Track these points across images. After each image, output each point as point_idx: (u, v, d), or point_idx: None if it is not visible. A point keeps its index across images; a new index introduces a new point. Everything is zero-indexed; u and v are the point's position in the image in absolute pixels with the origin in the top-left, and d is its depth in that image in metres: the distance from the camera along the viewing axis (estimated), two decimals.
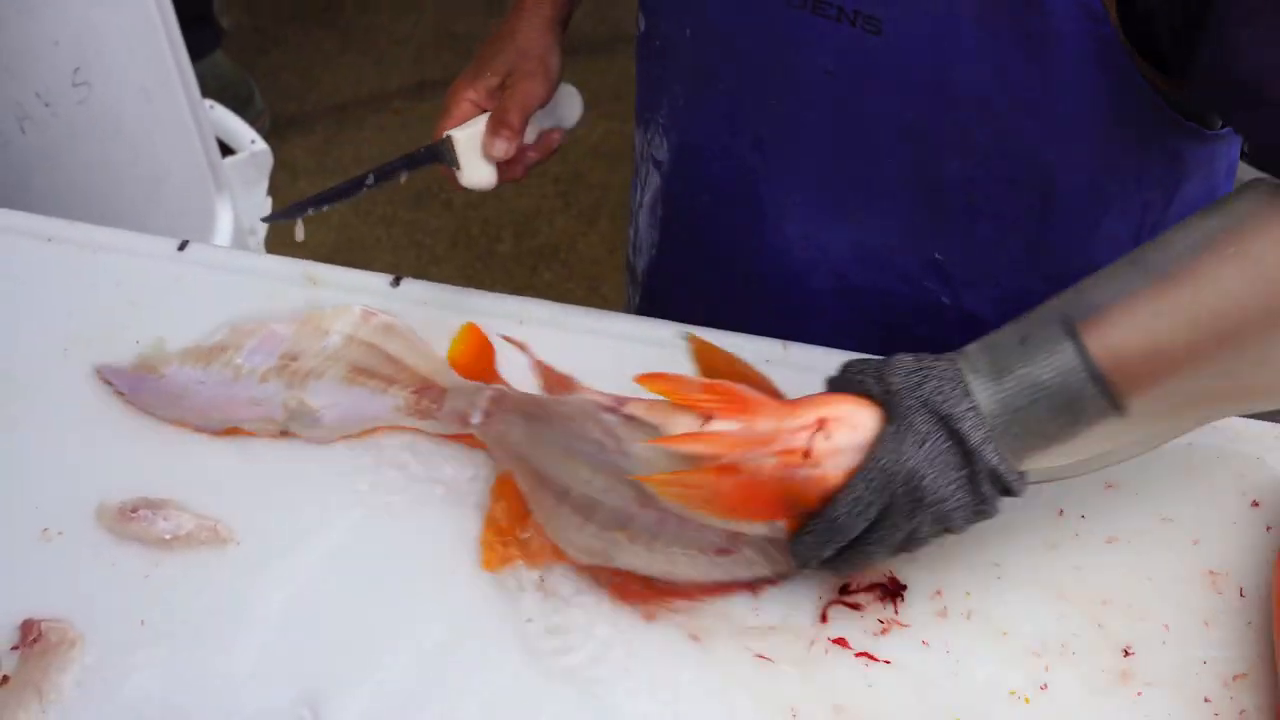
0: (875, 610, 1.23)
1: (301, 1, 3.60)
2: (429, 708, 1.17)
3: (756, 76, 1.36)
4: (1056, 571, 1.25)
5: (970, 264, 1.42)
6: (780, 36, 1.30)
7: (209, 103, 2.54)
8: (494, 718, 1.17)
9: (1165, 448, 1.23)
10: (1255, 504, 1.29)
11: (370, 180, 1.39)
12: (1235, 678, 1.19)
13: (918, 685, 1.19)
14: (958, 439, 1.11)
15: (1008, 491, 1.13)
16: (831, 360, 1.37)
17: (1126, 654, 1.20)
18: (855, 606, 1.23)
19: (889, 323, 1.49)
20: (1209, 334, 1.11)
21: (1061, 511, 1.29)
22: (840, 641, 1.21)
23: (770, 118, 1.38)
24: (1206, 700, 1.18)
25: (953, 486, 1.12)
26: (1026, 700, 1.18)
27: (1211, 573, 1.25)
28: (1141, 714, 1.17)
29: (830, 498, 1.13)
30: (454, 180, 1.43)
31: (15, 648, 1.20)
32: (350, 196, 1.39)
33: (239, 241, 2.49)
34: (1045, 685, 1.19)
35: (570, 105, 1.53)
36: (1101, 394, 1.10)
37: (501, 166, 1.43)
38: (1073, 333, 1.11)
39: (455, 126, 1.42)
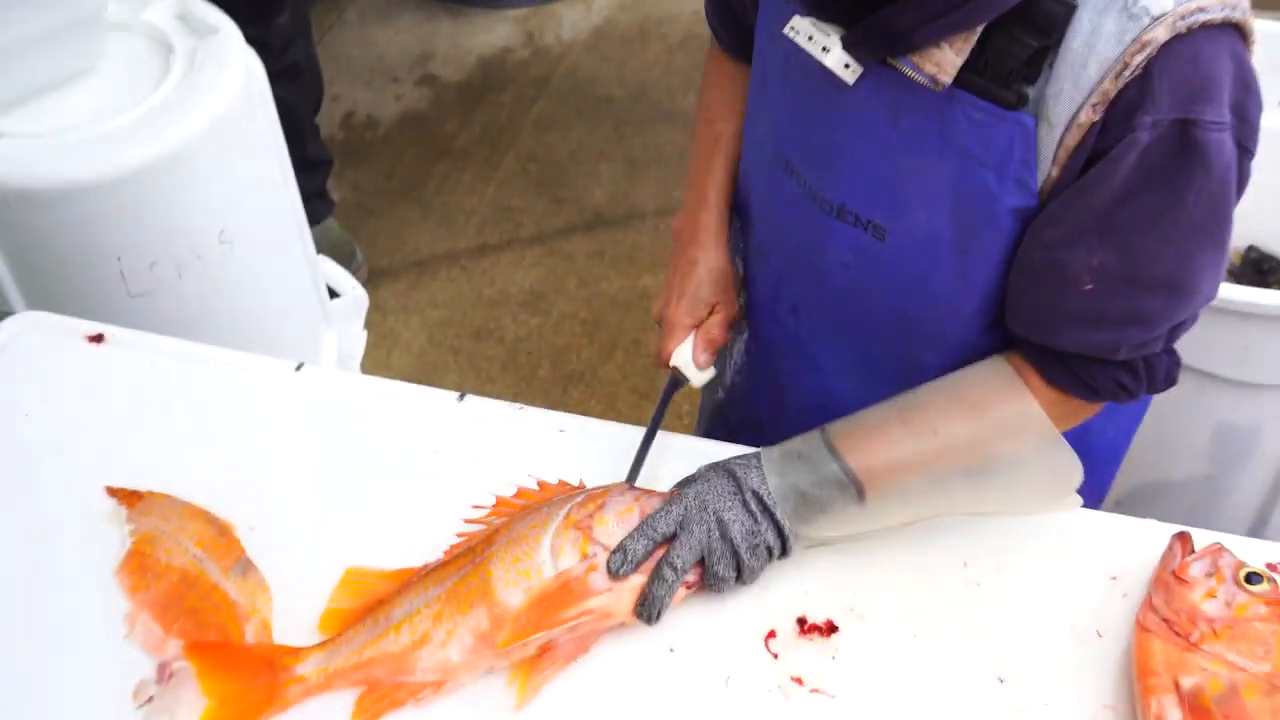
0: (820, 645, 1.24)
1: (394, 183, 3.63)
2: None
3: (795, 260, 1.39)
4: (975, 632, 1.26)
5: None
6: (814, 232, 1.32)
7: (321, 257, 2.56)
8: None
9: (1046, 539, 1.25)
10: (1114, 578, 1.29)
11: (656, 427, 1.42)
12: (1104, 708, 1.19)
13: (859, 707, 1.19)
14: (734, 478, 1.23)
15: (774, 519, 1.22)
16: None
17: (1021, 692, 1.20)
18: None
19: None
20: (932, 459, 1.23)
21: (969, 572, 1.29)
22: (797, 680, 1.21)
23: (803, 292, 1.40)
24: None
25: (729, 502, 1.22)
26: (961, 700, 1.18)
27: (1080, 628, 1.25)
28: None
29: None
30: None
31: (157, 681, 1.20)
32: (652, 439, 1.40)
33: (341, 364, 2.51)
34: (964, 701, 1.19)
35: None
36: (852, 487, 1.22)
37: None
38: (834, 449, 1.23)
39: (676, 346, 1.47)
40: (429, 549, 1.31)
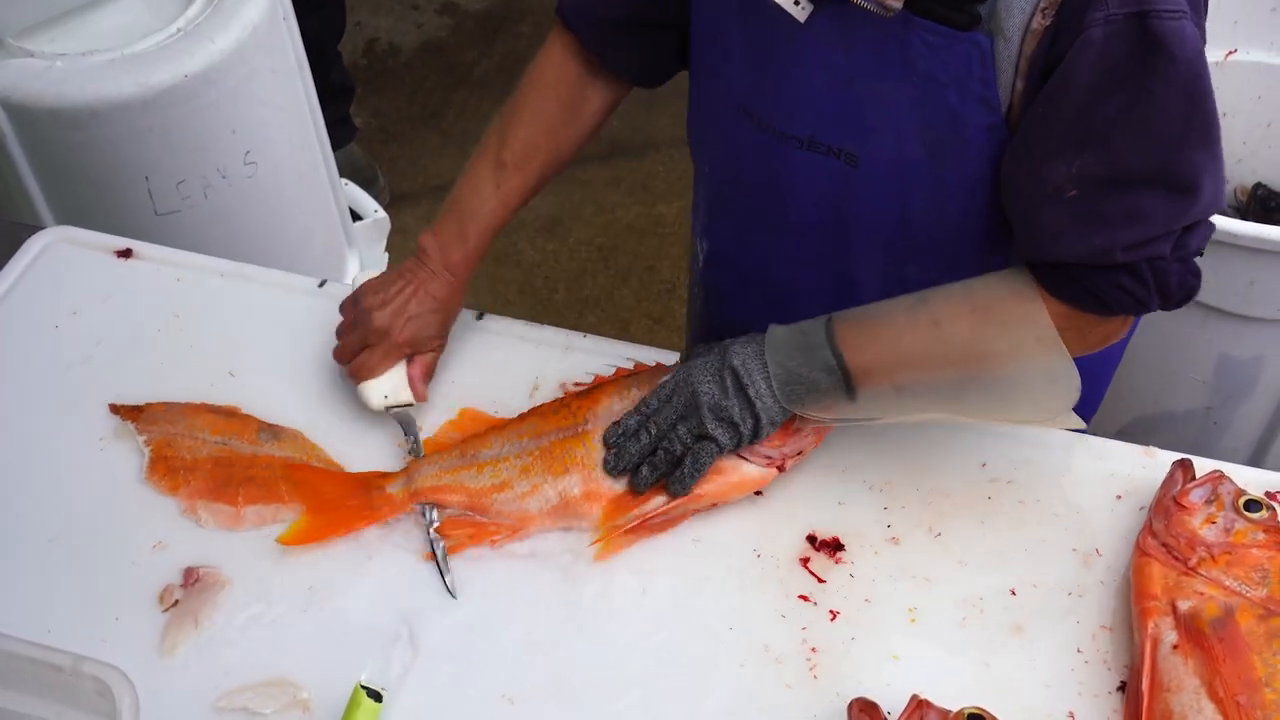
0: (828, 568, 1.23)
1: (415, 109, 3.60)
2: None
3: (763, 199, 1.33)
4: (977, 552, 1.25)
5: None
6: (781, 170, 1.28)
7: (344, 181, 2.55)
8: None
9: (1052, 464, 1.23)
10: (1116, 500, 1.29)
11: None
12: (1101, 628, 1.19)
13: (864, 624, 1.19)
14: (723, 354, 1.23)
15: (747, 396, 1.21)
16: None
17: (1020, 612, 1.20)
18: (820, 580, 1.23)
19: None
20: (930, 353, 1.19)
21: (988, 495, 1.28)
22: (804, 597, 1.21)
23: (782, 228, 1.35)
24: (1079, 651, 1.17)
25: (705, 375, 1.22)
26: (962, 619, 1.18)
27: (1082, 551, 1.25)
28: (1028, 657, 1.16)
29: None
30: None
31: (183, 585, 1.21)
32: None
33: None
34: (964, 620, 1.19)
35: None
36: (840, 374, 1.19)
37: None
38: (832, 334, 1.20)
39: (388, 369, 1.34)
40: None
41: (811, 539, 1.25)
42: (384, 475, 1.28)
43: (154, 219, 1.96)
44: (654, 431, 1.23)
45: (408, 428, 1.34)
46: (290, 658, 1.15)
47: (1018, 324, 1.16)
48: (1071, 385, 1.16)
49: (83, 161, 1.89)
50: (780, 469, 1.25)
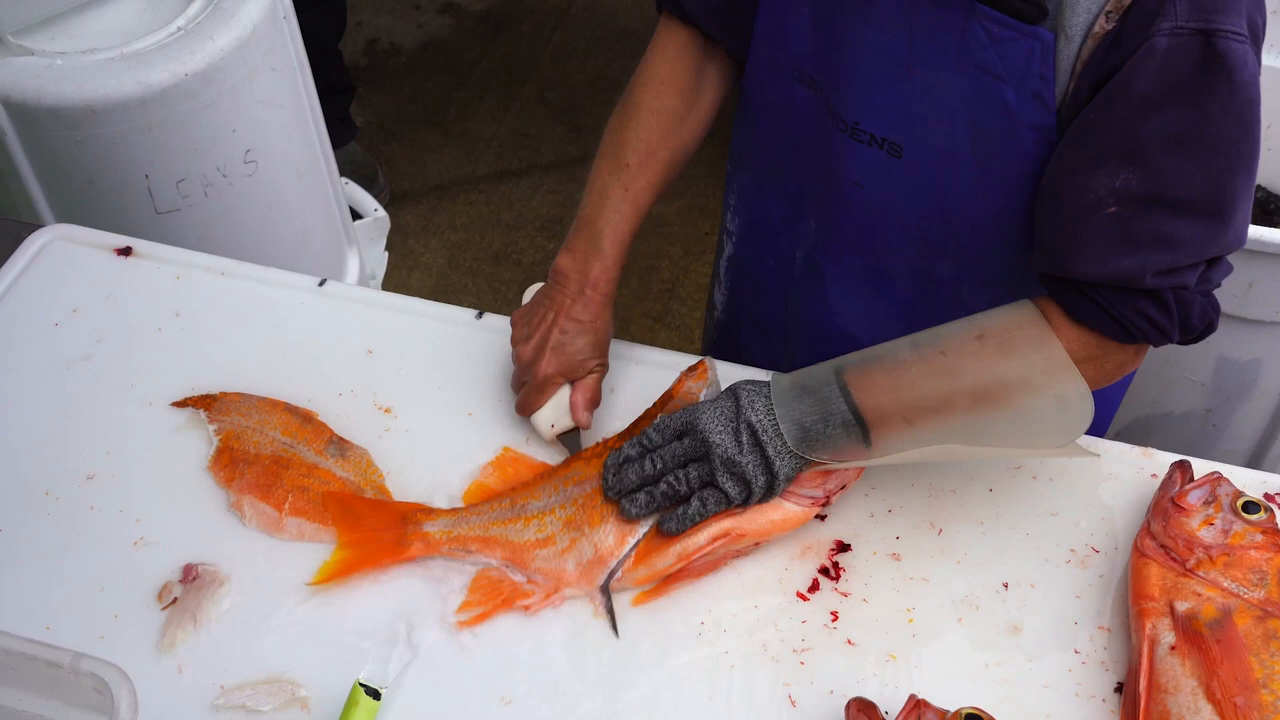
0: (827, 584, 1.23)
1: (416, 109, 3.60)
2: None
3: (811, 177, 1.34)
4: (975, 552, 1.25)
5: None
6: (828, 151, 1.28)
7: (344, 180, 2.54)
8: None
9: (1051, 464, 1.23)
10: (1113, 504, 1.28)
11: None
12: (1099, 629, 1.19)
13: (862, 623, 1.19)
14: (737, 404, 1.18)
15: (764, 453, 1.15)
16: None
17: (1019, 612, 1.20)
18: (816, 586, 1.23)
19: None
20: (946, 400, 1.15)
21: (990, 490, 1.28)
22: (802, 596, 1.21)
23: (821, 207, 1.34)
24: (1076, 651, 1.17)
25: (719, 425, 1.17)
26: (960, 619, 1.18)
27: (1080, 551, 1.25)
28: (1026, 658, 1.16)
29: None
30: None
31: (182, 582, 1.21)
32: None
33: (362, 282, 2.49)
34: (962, 619, 1.19)
35: None
36: (858, 428, 1.15)
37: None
38: (844, 384, 1.16)
39: (547, 402, 1.31)
40: (451, 459, 1.31)
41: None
42: (426, 510, 1.24)
43: (154, 217, 1.96)
44: (658, 464, 1.18)
45: (574, 451, 1.31)
46: (289, 656, 1.16)
47: (1027, 351, 1.14)
48: (1085, 411, 1.13)
49: (82, 160, 1.89)
50: (825, 505, 1.22)
